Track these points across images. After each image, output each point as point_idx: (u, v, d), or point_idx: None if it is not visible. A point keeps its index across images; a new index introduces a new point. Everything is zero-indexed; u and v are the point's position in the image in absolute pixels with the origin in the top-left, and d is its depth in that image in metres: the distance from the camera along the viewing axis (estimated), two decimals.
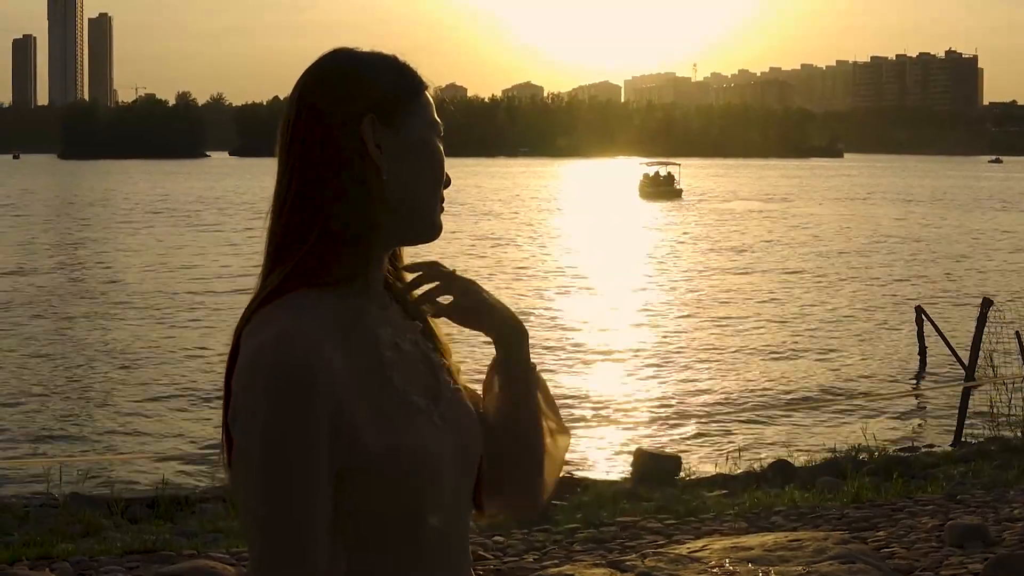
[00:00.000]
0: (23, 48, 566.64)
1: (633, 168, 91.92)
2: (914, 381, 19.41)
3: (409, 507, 1.70)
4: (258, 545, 1.62)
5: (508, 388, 1.87)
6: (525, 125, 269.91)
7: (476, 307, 1.85)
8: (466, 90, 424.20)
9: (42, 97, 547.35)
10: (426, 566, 1.74)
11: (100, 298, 30.53)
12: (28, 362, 21.49)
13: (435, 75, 1.85)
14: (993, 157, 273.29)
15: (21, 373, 20.50)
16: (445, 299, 1.83)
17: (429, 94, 1.84)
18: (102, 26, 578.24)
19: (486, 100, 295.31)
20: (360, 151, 1.74)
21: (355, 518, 1.67)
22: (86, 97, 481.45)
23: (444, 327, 1.92)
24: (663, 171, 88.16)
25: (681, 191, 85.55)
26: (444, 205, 1.84)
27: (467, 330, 1.90)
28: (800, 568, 5.55)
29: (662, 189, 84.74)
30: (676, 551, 5.93)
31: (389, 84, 1.78)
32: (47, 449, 15.30)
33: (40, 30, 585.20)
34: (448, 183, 1.84)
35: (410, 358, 1.78)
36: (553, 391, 1.94)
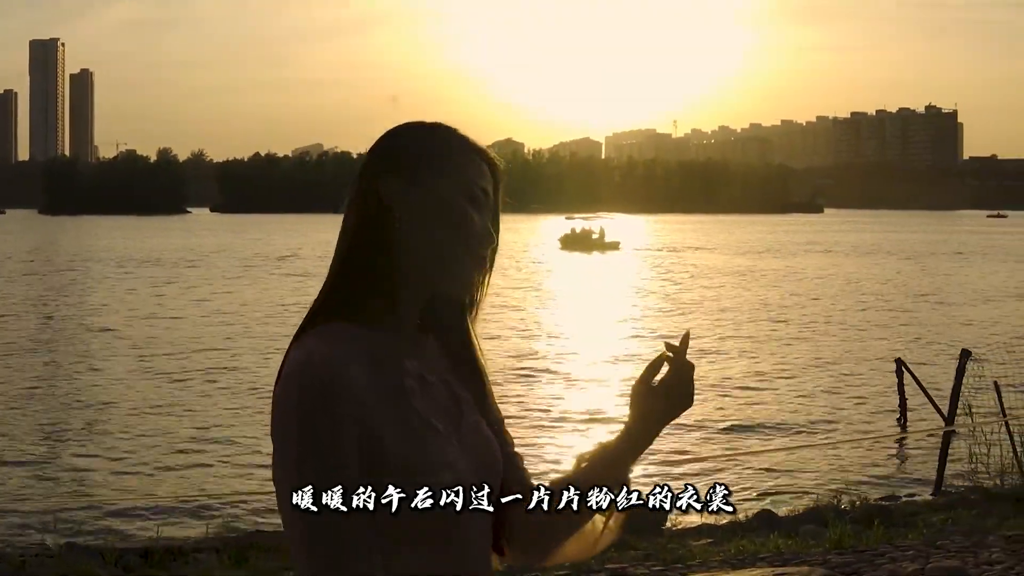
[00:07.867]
0: (4, 103, 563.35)
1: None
2: (894, 431, 19.54)
3: (437, 513, 1.84)
4: (300, 538, 1.80)
5: (604, 468, 2.03)
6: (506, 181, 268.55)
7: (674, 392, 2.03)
8: None
9: (23, 152, 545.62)
10: (458, 568, 1.91)
11: (89, 346, 30.59)
12: (22, 409, 21.52)
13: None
14: (995, 212, 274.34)
15: (12, 418, 20.54)
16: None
17: (486, 167, 2.05)
18: (83, 82, 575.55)
19: None
20: (377, 204, 1.97)
21: (388, 523, 1.82)
22: (67, 153, 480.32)
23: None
24: (595, 226, 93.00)
25: (618, 243, 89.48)
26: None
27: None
28: None
29: (588, 241, 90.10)
30: None
31: (417, 145, 2.01)
32: (42, 496, 15.27)
33: (22, 86, 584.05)
34: (494, 245, 2.02)
35: (434, 390, 1.98)
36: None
